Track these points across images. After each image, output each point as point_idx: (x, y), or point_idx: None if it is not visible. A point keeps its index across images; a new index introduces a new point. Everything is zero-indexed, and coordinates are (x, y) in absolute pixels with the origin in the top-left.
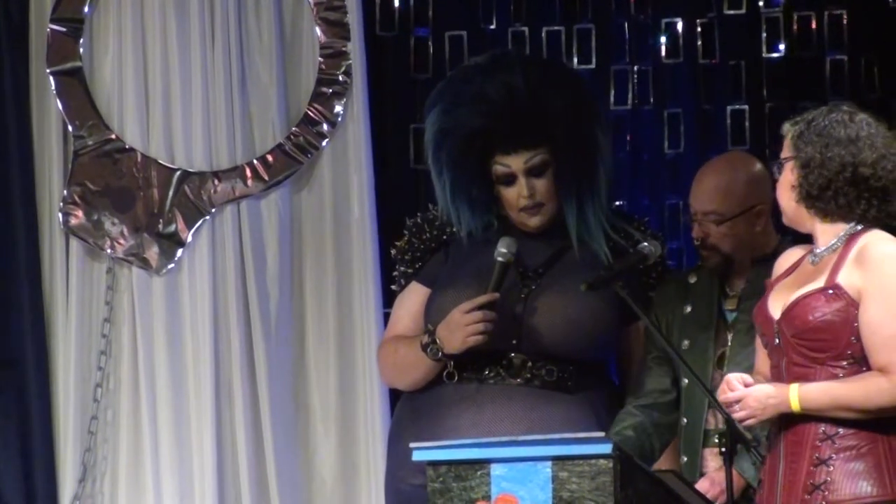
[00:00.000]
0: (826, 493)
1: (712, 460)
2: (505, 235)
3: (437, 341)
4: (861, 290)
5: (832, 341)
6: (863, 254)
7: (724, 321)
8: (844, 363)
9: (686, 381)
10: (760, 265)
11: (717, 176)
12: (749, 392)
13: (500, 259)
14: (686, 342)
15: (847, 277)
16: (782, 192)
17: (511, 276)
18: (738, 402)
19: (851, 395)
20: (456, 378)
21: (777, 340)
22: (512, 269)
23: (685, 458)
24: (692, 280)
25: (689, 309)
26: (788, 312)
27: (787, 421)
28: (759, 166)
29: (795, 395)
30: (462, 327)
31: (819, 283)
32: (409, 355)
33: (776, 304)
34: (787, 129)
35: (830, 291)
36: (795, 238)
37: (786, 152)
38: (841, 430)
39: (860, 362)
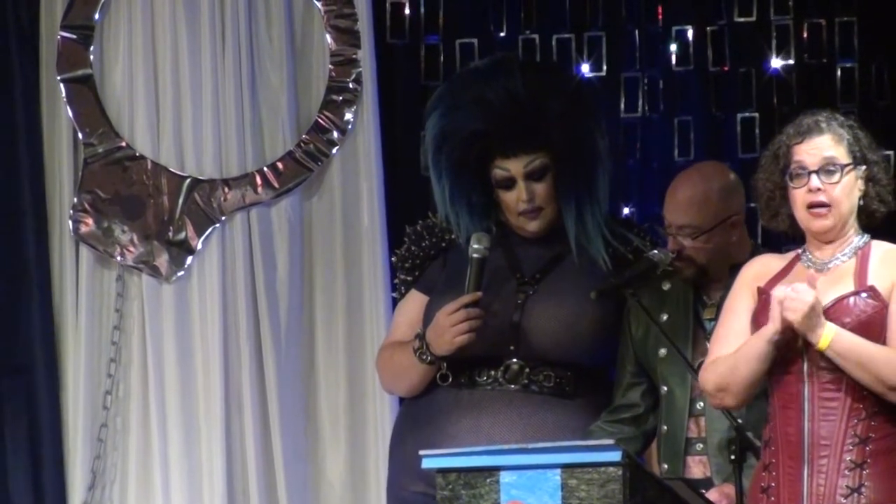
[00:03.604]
0: (862, 496)
1: (695, 467)
2: (477, 232)
3: (427, 345)
4: (894, 285)
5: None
6: (894, 256)
7: (702, 330)
8: None
9: (665, 388)
10: (738, 272)
11: (691, 189)
12: (815, 297)
13: (475, 256)
14: (663, 350)
15: (877, 279)
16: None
17: (509, 281)
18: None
19: (878, 358)
20: (450, 380)
21: (800, 343)
22: (508, 274)
23: (665, 466)
24: (666, 287)
25: (665, 317)
26: (824, 314)
27: (807, 425)
28: (732, 176)
29: (830, 335)
30: (448, 328)
31: (846, 286)
32: (404, 360)
33: None
34: (835, 129)
35: (865, 294)
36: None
37: (843, 156)
38: (873, 435)
39: None
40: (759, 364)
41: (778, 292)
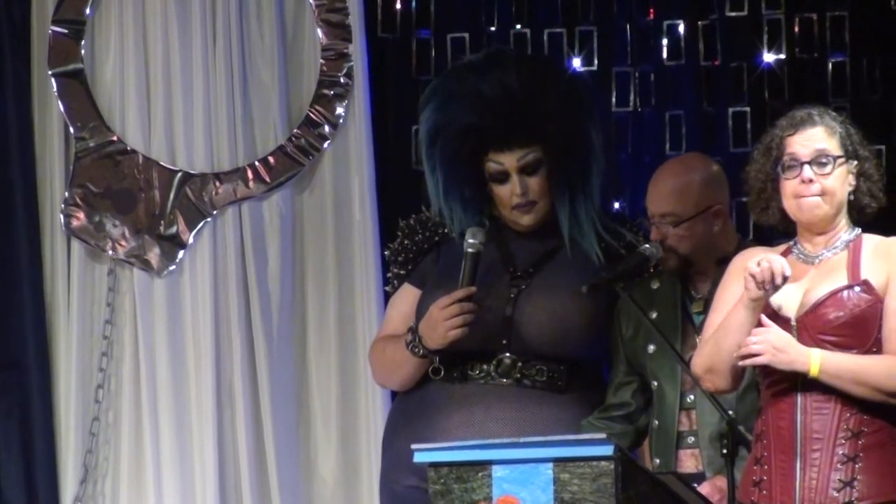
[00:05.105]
0: (855, 490)
1: (687, 460)
2: (472, 227)
3: (420, 338)
4: (889, 279)
5: (862, 336)
6: (886, 248)
7: (691, 325)
8: None
9: (655, 383)
10: (724, 266)
11: (673, 178)
12: (773, 331)
13: (469, 250)
14: (652, 347)
15: (871, 273)
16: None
17: (501, 275)
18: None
19: (871, 370)
20: (442, 373)
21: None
22: (501, 268)
23: (658, 461)
24: (655, 286)
25: (654, 314)
26: (816, 309)
27: (799, 419)
28: (715, 167)
29: (817, 360)
30: (441, 322)
31: (839, 280)
32: (396, 354)
33: (785, 303)
34: (828, 122)
35: (858, 288)
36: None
37: (836, 149)
38: (865, 429)
39: None
40: (740, 334)
41: (751, 264)
